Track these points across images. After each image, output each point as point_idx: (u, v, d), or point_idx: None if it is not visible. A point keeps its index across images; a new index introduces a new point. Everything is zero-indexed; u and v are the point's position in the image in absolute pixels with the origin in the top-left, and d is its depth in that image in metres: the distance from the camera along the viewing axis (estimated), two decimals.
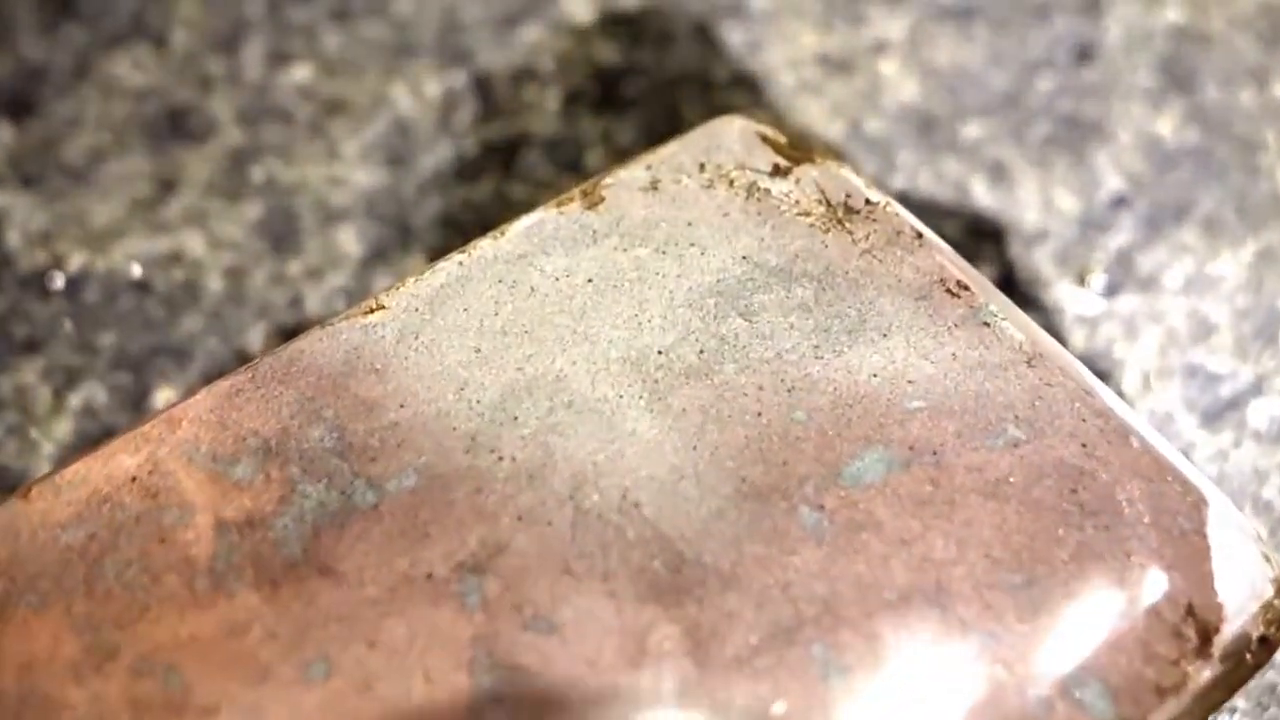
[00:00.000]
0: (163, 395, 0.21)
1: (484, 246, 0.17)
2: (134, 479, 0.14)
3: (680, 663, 0.14)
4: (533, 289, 0.16)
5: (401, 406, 0.15)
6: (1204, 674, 0.14)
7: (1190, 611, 0.14)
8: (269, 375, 0.15)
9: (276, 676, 0.13)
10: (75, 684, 0.13)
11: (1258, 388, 0.22)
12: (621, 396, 0.15)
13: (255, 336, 0.22)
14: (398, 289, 0.16)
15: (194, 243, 0.23)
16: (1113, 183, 0.24)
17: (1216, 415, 0.22)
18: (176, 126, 0.24)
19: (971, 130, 0.24)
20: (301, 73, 0.25)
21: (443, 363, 0.15)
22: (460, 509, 0.14)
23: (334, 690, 0.13)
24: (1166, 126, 0.25)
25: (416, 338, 0.16)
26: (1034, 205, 0.24)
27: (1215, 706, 0.15)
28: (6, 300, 0.22)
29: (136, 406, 0.21)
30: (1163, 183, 0.24)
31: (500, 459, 0.15)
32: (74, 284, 0.23)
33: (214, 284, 0.23)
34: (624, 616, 0.14)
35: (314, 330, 0.16)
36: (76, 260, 0.23)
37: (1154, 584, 0.14)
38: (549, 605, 0.14)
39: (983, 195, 0.24)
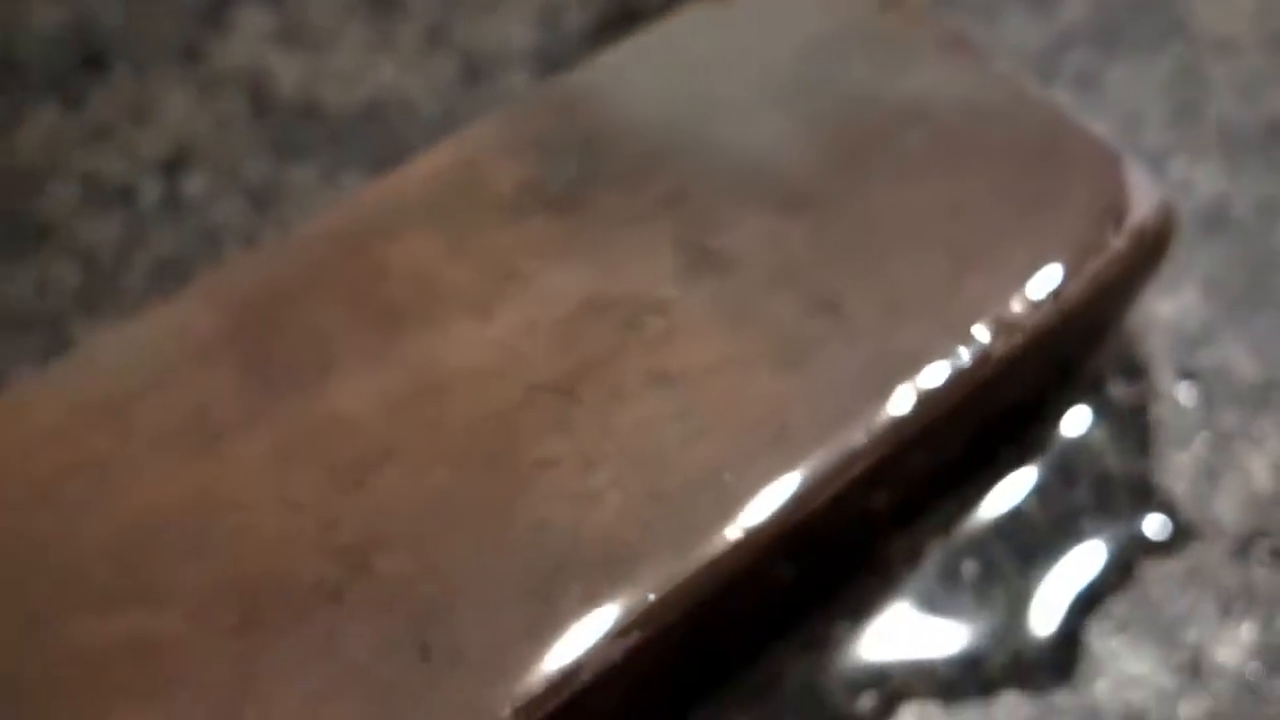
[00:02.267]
0: None
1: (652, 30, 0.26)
2: (461, 163, 0.24)
3: None
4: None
5: (622, 120, 0.24)
6: (1117, 243, 0.23)
7: (1109, 209, 0.23)
8: (532, 108, 0.25)
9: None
10: (450, 263, 0.22)
11: (1171, 152, 0.31)
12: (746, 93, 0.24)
13: None
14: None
15: (415, 88, 0.32)
16: (1073, 11, 0.33)
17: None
18: (390, 8, 0.34)
19: None
20: None
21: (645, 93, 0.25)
22: (662, 166, 0.24)
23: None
24: None
25: (621, 81, 0.25)
26: (1012, 36, 0.33)
27: (1128, 272, 0.24)
28: (281, 130, 0.32)
29: None
30: (1104, 17, 0.33)
31: (675, 142, 0.24)
32: (329, 114, 0.32)
33: (428, 109, 0.32)
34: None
35: (553, 80, 0.25)
36: (332, 99, 0.32)
37: (1088, 193, 0.23)
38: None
39: (976, 31, 0.33)
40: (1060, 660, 0.25)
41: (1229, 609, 0.25)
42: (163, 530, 0.19)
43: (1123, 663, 0.25)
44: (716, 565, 0.20)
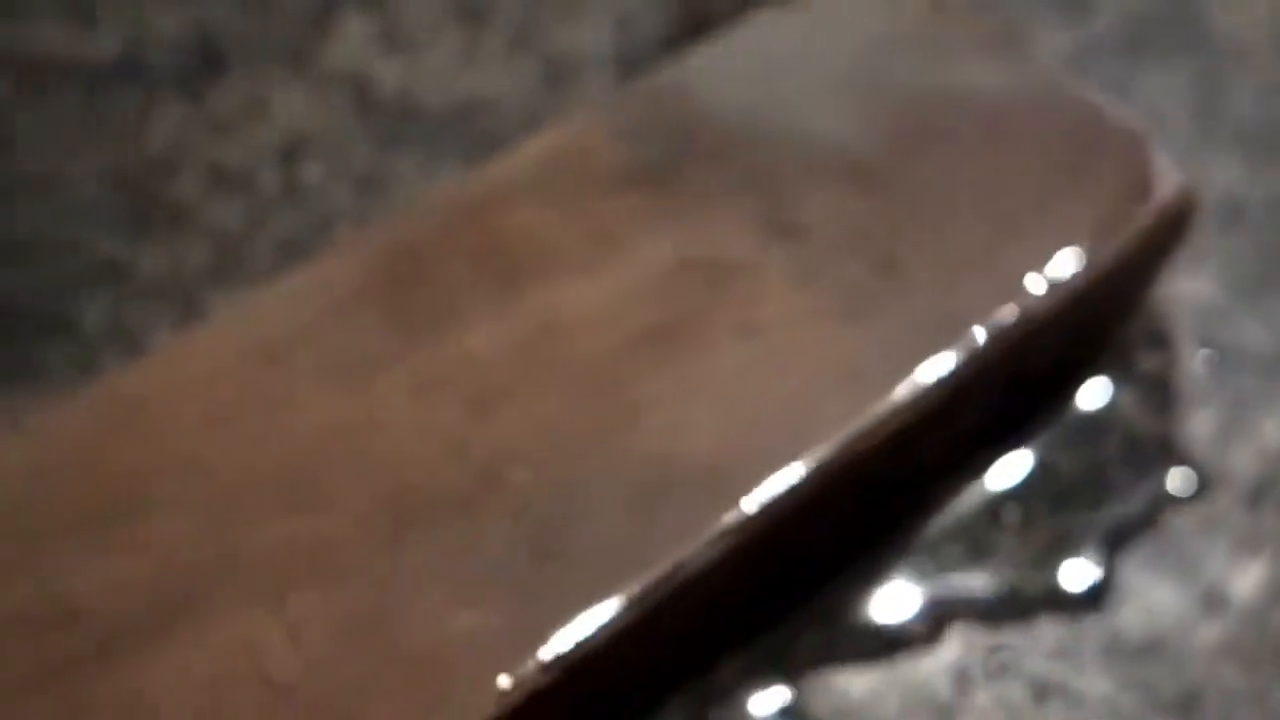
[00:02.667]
0: None
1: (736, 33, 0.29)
2: (568, 145, 0.27)
3: None
4: None
5: (707, 110, 0.28)
6: (1142, 217, 0.26)
7: (1136, 187, 0.27)
8: (628, 98, 0.28)
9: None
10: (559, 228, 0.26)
11: (1192, 150, 0.34)
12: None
13: None
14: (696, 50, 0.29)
15: (502, 88, 0.36)
16: (1103, 22, 0.36)
17: None
18: (478, 16, 0.37)
19: None
20: None
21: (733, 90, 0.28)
22: (742, 149, 0.27)
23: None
24: None
25: (705, 77, 0.28)
26: (1045, 44, 0.36)
27: (1152, 245, 0.27)
28: (383, 125, 0.35)
29: None
30: (1131, 27, 0.36)
31: (755, 129, 0.27)
32: (425, 111, 0.35)
33: (514, 108, 0.35)
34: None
35: (646, 75, 0.28)
36: (428, 98, 0.36)
37: (1117, 173, 0.27)
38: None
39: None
40: (1090, 592, 0.28)
41: (1241, 549, 0.28)
42: (324, 451, 0.23)
43: (1146, 594, 0.28)
44: (795, 486, 0.23)
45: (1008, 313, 0.25)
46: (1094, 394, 0.30)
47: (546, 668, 0.21)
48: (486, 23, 0.37)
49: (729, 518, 0.23)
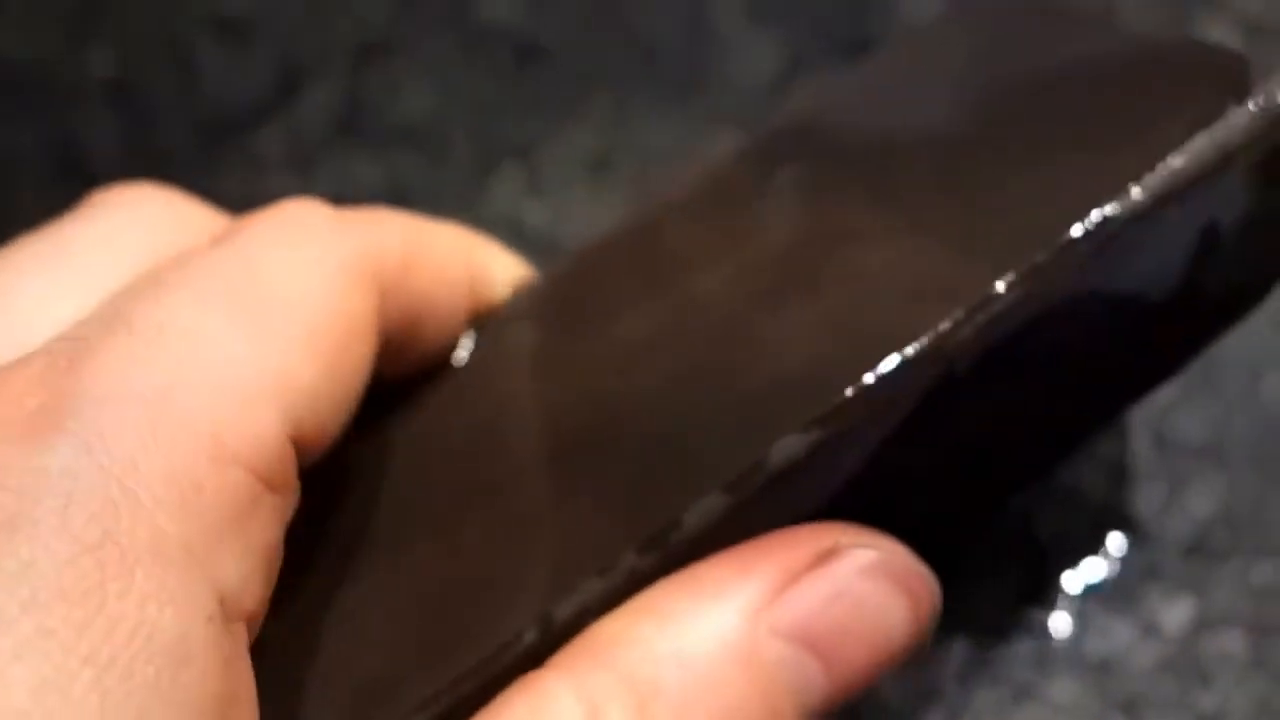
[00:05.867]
0: None
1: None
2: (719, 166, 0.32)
3: None
4: None
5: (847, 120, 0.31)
6: (1240, 115, 0.25)
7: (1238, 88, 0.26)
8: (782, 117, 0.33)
9: None
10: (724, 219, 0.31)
11: None
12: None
13: None
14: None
15: None
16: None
17: None
18: (606, 166, 0.42)
19: None
20: None
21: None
22: (873, 145, 0.30)
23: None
24: None
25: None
26: None
27: (1249, 142, 0.26)
28: (535, 259, 0.39)
29: None
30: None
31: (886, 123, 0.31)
32: (566, 246, 0.39)
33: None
34: None
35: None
36: (571, 237, 0.40)
37: (1220, 82, 0.26)
38: None
39: None
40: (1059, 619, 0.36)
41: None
42: (527, 396, 0.30)
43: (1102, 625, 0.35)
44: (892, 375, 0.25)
45: (1099, 216, 0.25)
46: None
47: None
48: (610, 174, 0.42)
49: (823, 409, 0.25)
